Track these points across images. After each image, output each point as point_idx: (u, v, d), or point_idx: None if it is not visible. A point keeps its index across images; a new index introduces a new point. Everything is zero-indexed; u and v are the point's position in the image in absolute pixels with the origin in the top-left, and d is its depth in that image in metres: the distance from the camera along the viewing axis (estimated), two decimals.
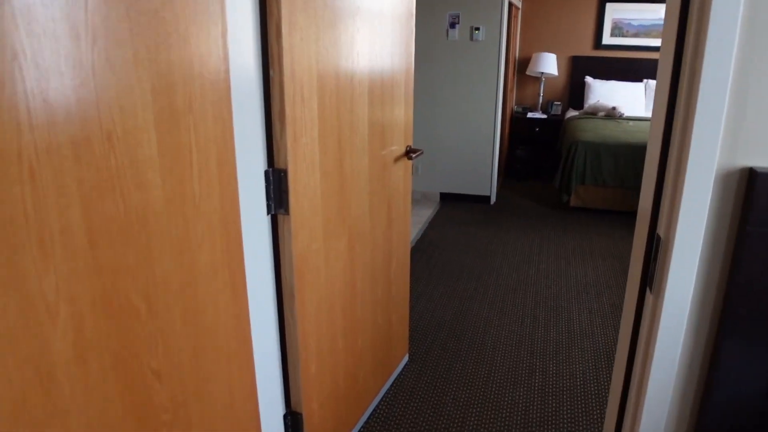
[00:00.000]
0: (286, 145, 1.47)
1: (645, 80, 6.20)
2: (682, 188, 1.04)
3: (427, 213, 4.90)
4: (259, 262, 1.51)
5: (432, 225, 4.74)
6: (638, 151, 4.77)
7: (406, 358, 2.69)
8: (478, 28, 4.82)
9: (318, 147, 1.62)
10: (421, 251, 4.13)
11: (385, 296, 2.31)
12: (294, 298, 1.63)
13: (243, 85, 1.33)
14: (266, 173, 1.48)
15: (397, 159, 2.23)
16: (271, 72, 1.42)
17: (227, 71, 1.20)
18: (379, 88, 1.98)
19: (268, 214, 1.51)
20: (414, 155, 2.28)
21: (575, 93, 6.60)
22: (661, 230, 1.12)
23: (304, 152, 1.56)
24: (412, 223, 4.53)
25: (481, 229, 4.65)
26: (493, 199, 5.33)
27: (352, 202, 1.89)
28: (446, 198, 5.40)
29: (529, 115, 6.45)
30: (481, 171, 5.23)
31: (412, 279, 3.65)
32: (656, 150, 1.14)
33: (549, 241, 4.37)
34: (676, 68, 1.06)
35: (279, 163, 1.49)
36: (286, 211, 1.53)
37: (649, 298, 1.18)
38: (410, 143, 2.35)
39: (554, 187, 5.31)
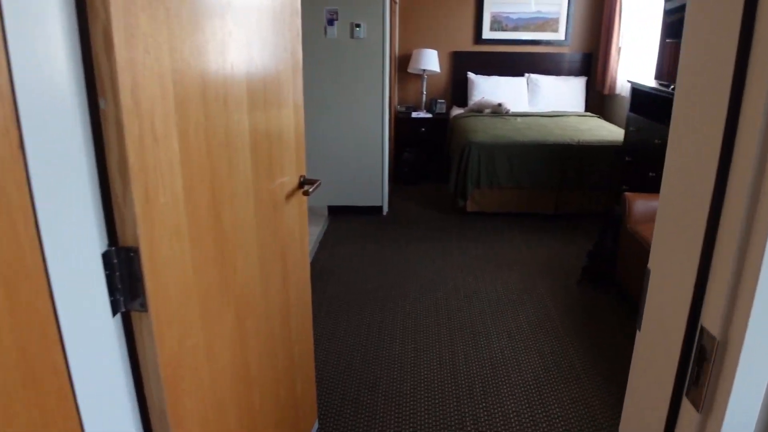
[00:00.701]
0: (133, 211, 0.97)
1: (527, 74, 6.13)
2: (756, 271, 0.69)
3: (315, 231, 4.44)
4: (108, 391, 1.00)
5: (323, 245, 4.28)
6: (531, 150, 4.63)
7: (316, 426, 2.24)
8: (359, 25, 4.42)
9: (184, 204, 1.13)
10: (315, 278, 3.67)
11: (286, 364, 1.84)
12: (167, 421, 1.14)
13: (50, 130, 0.82)
14: (106, 256, 0.97)
15: (289, 195, 1.76)
16: (101, 103, 0.92)
17: (14, 115, 0.70)
18: (261, 106, 1.51)
19: (115, 314, 1.01)
20: (311, 188, 1.83)
21: (458, 90, 6.42)
22: (712, 325, 0.77)
23: (164, 216, 1.06)
24: None
25: (377, 245, 4.27)
26: (385, 209, 4.96)
27: (237, 265, 1.41)
28: (335, 211, 4.95)
29: (414, 114, 6.17)
30: (370, 179, 4.85)
31: None
32: (694, 207, 0.79)
33: (451, 253, 4.08)
34: (737, 87, 0.70)
35: (125, 239, 0.99)
36: (144, 306, 1.03)
37: (690, 415, 0.83)
38: (303, 172, 1.89)
39: (447, 191, 5.06)
